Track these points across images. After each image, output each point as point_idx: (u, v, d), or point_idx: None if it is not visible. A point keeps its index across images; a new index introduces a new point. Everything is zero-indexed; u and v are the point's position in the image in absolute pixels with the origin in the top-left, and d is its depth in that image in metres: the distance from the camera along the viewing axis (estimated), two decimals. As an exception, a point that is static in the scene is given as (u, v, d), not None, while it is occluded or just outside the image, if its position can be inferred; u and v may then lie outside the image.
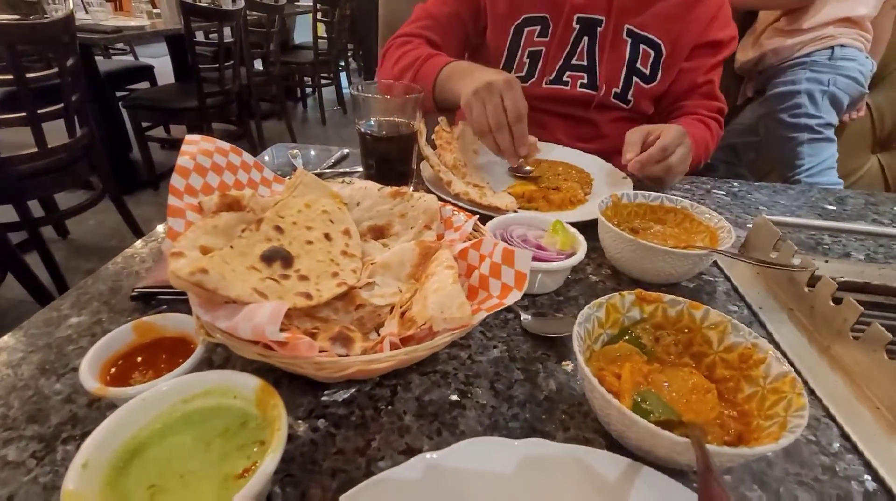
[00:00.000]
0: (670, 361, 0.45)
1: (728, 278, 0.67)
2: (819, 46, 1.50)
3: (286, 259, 0.46)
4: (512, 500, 0.33)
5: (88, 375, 0.37)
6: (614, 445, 0.39)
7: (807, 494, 0.38)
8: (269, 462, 0.30)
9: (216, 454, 0.33)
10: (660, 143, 0.79)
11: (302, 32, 4.80)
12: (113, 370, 0.40)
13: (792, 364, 0.49)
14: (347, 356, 0.39)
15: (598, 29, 0.95)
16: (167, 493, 0.31)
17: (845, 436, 0.43)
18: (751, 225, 0.72)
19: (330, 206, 0.56)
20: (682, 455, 0.33)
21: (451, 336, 0.40)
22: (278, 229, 0.49)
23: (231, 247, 0.44)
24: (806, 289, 0.59)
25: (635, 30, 0.95)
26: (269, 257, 0.45)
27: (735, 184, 1.03)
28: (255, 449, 0.34)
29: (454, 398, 0.44)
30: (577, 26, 0.96)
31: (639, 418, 0.33)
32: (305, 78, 4.43)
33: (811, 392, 0.48)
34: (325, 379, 0.43)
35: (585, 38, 0.97)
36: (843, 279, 0.63)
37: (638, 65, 0.98)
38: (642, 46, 0.96)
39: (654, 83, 0.99)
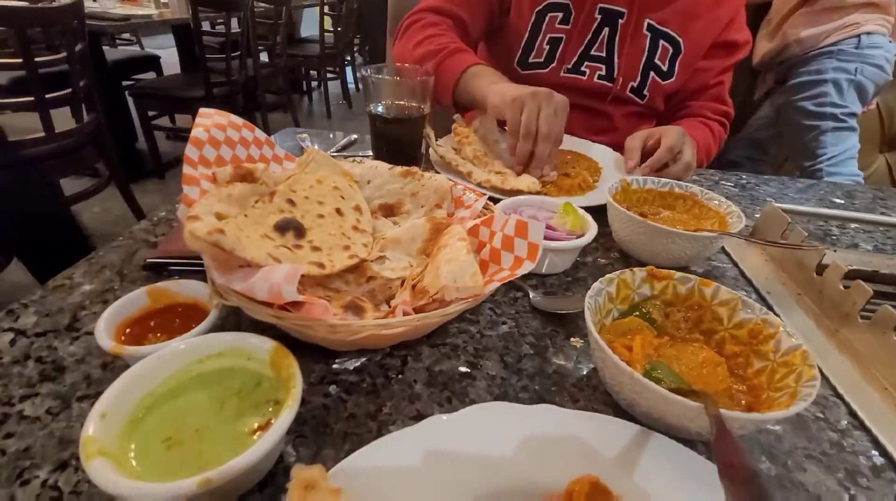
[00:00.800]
0: (680, 336, 0.45)
1: (737, 265, 0.67)
2: (846, 35, 1.48)
3: (299, 230, 0.47)
4: (522, 462, 0.33)
5: (104, 335, 0.37)
6: (623, 416, 0.39)
7: (815, 467, 0.38)
8: (287, 415, 0.30)
9: (231, 411, 0.34)
10: (666, 143, 0.80)
11: (308, 26, 4.79)
12: (128, 330, 0.40)
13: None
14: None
15: (620, 21, 0.95)
16: (183, 446, 0.31)
17: (853, 414, 0.43)
18: (759, 215, 0.72)
19: (341, 183, 0.56)
20: (694, 422, 0.33)
21: (464, 305, 0.40)
22: (290, 202, 0.50)
23: (245, 216, 0.45)
24: (815, 275, 0.59)
25: (656, 25, 0.95)
26: (282, 227, 0.46)
27: (744, 176, 1.03)
28: (270, 408, 0.34)
29: (464, 369, 0.44)
30: (599, 17, 0.95)
31: (651, 383, 0.33)
32: (311, 71, 4.42)
33: (820, 373, 0.48)
34: (337, 346, 0.43)
35: (606, 30, 0.96)
36: (851, 268, 0.63)
37: (656, 60, 0.97)
38: (661, 42, 0.96)
39: (671, 80, 0.99)
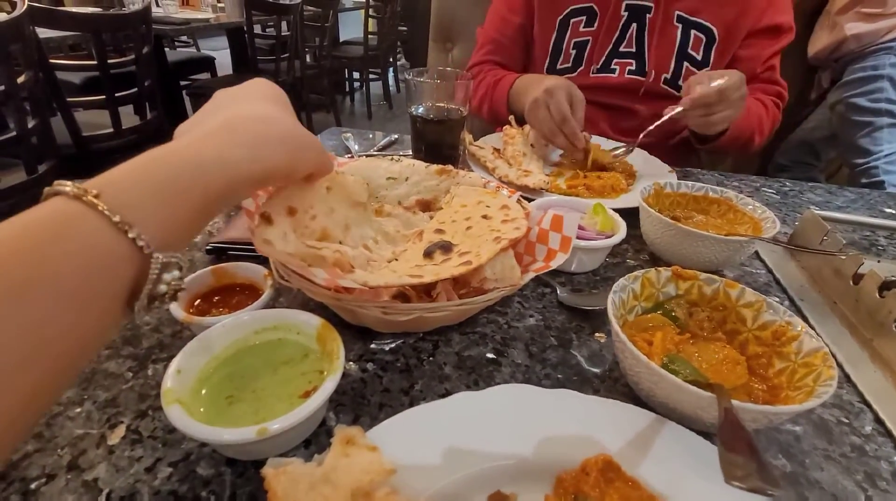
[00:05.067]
0: (703, 336, 0.46)
1: (770, 271, 0.66)
2: None
3: (446, 247, 0.48)
4: (540, 439, 0.36)
5: (177, 306, 0.43)
6: (642, 407, 0.41)
7: (833, 467, 0.38)
8: (331, 381, 0.34)
9: (282, 377, 0.38)
10: (719, 85, 0.79)
11: (347, 29, 4.93)
12: (196, 304, 0.46)
13: (832, 355, 0.49)
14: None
15: (648, 16, 0.96)
16: (242, 403, 0.36)
17: (879, 421, 0.43)
18: (798, 223, 0.71)
19: (484, 196, 0.58)
20: (707, 411, 0.35)
21: (503, 292, 0.43)
22: (440, 230, 0.53)
23: (397, 260, 0.50)
24: (851, 283, 0.58)
25: (686, 15, 0.95)
26: (429, 252, 0.47)
27: (787, 183, 1.01)
28: (315, 377, 0.38)
29: (491, 355, 0.47)
30: (626, 14, 0.97)
31: (666, 373, 0.35)
32: (354, 73, 4.55)
33: (848, 380, 0.48)
34: (384, 327, 0.47)
35: (634, 25, 0.97)
36: (891, 277, 0.61)
37: (689, 50, 0.97)
38: (693, 32, 0.96)
39: (707, 69, 0.98)
